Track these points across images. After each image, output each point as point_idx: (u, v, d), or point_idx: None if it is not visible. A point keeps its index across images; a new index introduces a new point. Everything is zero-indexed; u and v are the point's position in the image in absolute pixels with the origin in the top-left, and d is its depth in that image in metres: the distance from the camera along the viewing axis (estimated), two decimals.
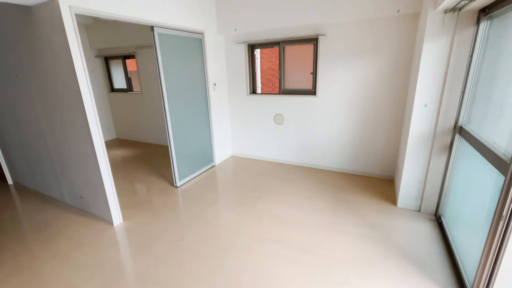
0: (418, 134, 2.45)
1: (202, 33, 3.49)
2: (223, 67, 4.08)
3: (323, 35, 3.28)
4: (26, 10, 2.27)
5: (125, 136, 5.99)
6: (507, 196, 1.27)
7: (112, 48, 5.30)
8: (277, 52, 3.78)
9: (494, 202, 1.41)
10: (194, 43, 3.42)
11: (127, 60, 5.45)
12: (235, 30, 3.66)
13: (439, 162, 2.39)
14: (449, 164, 2.31)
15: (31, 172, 3.32)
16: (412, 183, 2.61)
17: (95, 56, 5.53)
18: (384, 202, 2.86)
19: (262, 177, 3.64)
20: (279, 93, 3.91)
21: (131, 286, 1.88)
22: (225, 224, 2.57)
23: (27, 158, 3.25)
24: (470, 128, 2.02)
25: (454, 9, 1.97)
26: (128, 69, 5.55)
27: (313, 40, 3.43)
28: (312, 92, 3.65)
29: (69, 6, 2.05)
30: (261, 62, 7.63)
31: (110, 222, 2.62)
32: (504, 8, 1.60)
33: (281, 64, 3.79)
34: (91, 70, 5.40)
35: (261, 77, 7.74)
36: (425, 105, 2.35)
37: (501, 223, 1.31)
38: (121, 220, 2.67)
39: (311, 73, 3.61)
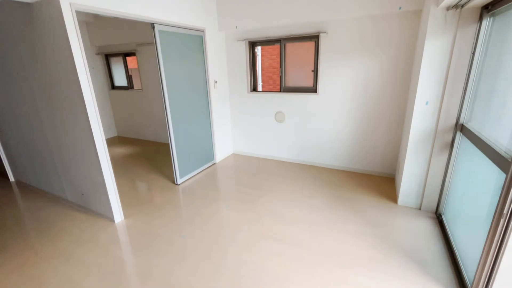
0: (419, 132, 2.44)
1: (203, 30, 3.48)
2: (223, 65, 4.07)
3: (324, 32, 3.27)
4: (26, 7, 2.27)
5: (126, 133, 6.00)
6: (508, 194, 1.27)
7: (112, 46, 5.29)
8: (278, 49, 3.76)
9: (495, 200, 1.41)
10: (195, 41, 3.41)
11: (127, 58, 5.44)
12: (236, 27, 3.65)
13: (440, 160, 2.39)
14: (450, 162, 2.31)
15: (32, 169, 3.33)
16: (413, 181, 2.61)
17: (96, 54, 5.52)
18: (384, 200, 2.86)
19: (263, 174, 3.65)
20: (280, 91, 3.90)
21: (132, 282, 1.90)
22: (226, 222, 2.58)
23: (28, 156, 3.26)
24: (472, 126, 2.01)
25: (456, 6, 1.95)
26: (129, 66, 5.54)
27: (314, 38, 3.41)
28: (313, 89, 3.64)
29: (70, 3, 2.04)
30: (262, 60, 7.61)
31: (111, 219, 2.63)
32: (507, 5, 1.59)
33: (282, 61, 3.77)
34: (91, 68, 5.39)
35: (262, 74, 7.72)
36: (427, 103, 2.34)
37: (502, 221, 1.31)
38: (122, 217, 2.69)
39: (312, 71, 3.60)
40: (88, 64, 2.24)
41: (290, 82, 3.87)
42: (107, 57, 5.61)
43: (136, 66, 5.36)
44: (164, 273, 1.96)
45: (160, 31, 2.88)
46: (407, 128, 2.65)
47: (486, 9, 1.88)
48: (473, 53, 2.03)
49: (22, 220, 2.75)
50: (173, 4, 2.97)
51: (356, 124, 3.45)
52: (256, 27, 3.58)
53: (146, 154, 4.73)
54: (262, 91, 4.15)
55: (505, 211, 1.29)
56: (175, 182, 3.43)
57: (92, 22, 5.09)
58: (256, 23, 3.50)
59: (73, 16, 2.08)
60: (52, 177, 3.09)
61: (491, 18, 1.88)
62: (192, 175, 3.65)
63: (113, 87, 5.83)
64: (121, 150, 4.99)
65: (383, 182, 3.29)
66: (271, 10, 3.35)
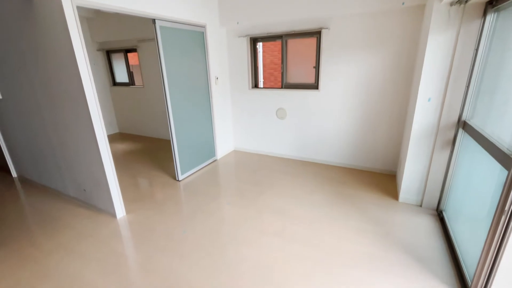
0: (421, 129, 2.43)
1: (204, 26, 3.46)
2: (225, 61, 4.05)
3: (327, 28, 3.24)
4: (27, 3, 2.26)
5: (127, 130, 6.01)
6: (510, 191, 1.27)
7: (113, 42, 5.27)
8: (280, 45, 3.74)
9: (496, 197, 1.40)
10: (196, 37, 3.40)
11: (128, 54, 5.43)
12: (237, 23, 3.63)
13: (441, 157, 2.38)
14: (452, 159, 2.30)
15: (35, 165, 3.35)
16: (414, 178, 2.60)
17: (97, 50, 5.51)
18: (385, 196, 2.86)
19: (264, 171, 3.65)
20: (281, 87, 3.88)
21: (133, 277, 1.91)
22: (227, 218, 2.59)
23: (31, 152, 3.28)
24: (474, 122, 2.00)
25: (460, 1, 1.93)
26: (130, 62, 5.54)
27: (316, 34, 3.39)
28: (315, 86, 3.62)
29: None
30: (263, 56, 7.58)
31: (113, 214, 2.65)
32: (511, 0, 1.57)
33: (284, 58, 3.75)
34: (93, 64, 5.39)
35: (263, 71, 7.70)
36: (429, 99, 2.33)
37: (503, 217, 1.31)
38: (124, 213, 2.70)
39: (314, 67, 3.58)
40: (89, 60, 2.24)
41: (292, 78, 3.85)
42: (108, 53, 5.60)
43: (137, 63, 5.35)
44: (165, 268, 1.97)
45: (161, 27, 2.87)
46: (409, 124, 2.64)
47: (490, 4, 1.85)
48: (477, 49, 2.01)
49: (24, 215, 2.78)
50: (174, 0, 2.95)
51: (358, 120, 3.43)
52: (258, 23, 3.55)
53: (148, 150, 4.75)
54: (263, 87, 4.14)
55: (506, 208, 1.29)
56: (177, 179, 3.44)
57: (93, 18, 5.08)
58: (258, 18, 3.48)
59: (74, 11, 2.07)
60: (54, 173, 3.11)
61: (495, 14, 1.86)
62: (193, 172, 3.66)
63: (115, 83, 5.83)
64: (123, 147, 5.00)
65: (384, 179, 3.28)
66: (273, 6, 3.32)
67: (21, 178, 3.69)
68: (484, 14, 1.93)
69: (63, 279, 1.91)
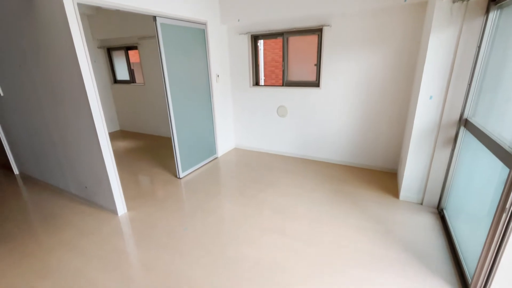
0: (422, 127, 2.43)
1: (205, 24, 3.45)
2: (226, 59, 4.04)
3: (328, 25, 3.23)
4: (28, 0, 2.26)
5: (129, 127, 6.01)
6: (511, 188, 1.26)
7: (114, 39, 5.27)
8: (281, 43, 3.73)
9: (498, 195, 1.40)
10: (197, 34, 3.39)
11: (129, 51, 5.43)
12: (238, 20, 3.61)
13: (443, 154, 2.38)
14: (453, 157, 2.30)
15: (36, 162, 3.36)
16: (415, 176, 2.60)
17: (98, 47, 5.51)
18: (386, 194, 2.86)
19: (265, 169, 3.65)
20: (283, 85, 3.88)
21: (134, 273, 1.92)
22: (227, 215, 2.60)
23: (32, 149, 3.29)
24: (476, 120, 1.99)
25: None
26: (131, 60, 5.53)
27: (318, 31, 3.38)
28: (316, 84, 3.61)
29: None
30: (264, 54, 7.55)
31: (114, 212, 2.66)
32: None
33: (285, 55, 3.74)
34: (93, 61, 5.38)
35: (264, 68, 7.68)
36: (431, 97, 2.32)
37: (504, 215, 1.31)
38: (125, 210, 2.71)
39: (315, 65, 3.57)
40: (90, 58, 2.24)
41: (293, 76, 3.84)
42: (109, 51, 5.60)
43: (138, 60, 5.35)
44: (166, 265, 1.98)
45: (162, 24, 2.86)
46: (410, 122, 2.63)
47: (493, 1, 1.84)
48: (479, 47, 2.00)
49: (26, 212, 2.79)
50: None
51: (359, 118, 3.43)
52: (259, 20, 3.54)
53: (149, 148, 4.75)
54: (264, 85, 4.13)
55: (507, 206, 1.29)
56: (177, 176, 3.45)
57: (93, 15, 5.07)
58: (259, 16, 3.46)
59: (74, 8, 2.07)
60: (55, 170, 3.12)
61: (498, 11, 1.84)
62: (194, 169, 3.67)
63: (115, 81, 5.83)
64: (124, 144, 5.01)
65: (385, 177, 3.28)
66: (274, 3, 3.30)
67: (23, 175, 3.70)
68: (487, 11, 1.91)
69: (64, 276, 1.92)
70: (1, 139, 3.60)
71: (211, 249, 2.14)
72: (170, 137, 3.48)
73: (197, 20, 3.31)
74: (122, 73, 5.72)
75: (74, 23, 2.09)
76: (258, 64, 4.10)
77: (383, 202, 2.72)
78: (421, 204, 2.64)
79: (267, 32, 3.69)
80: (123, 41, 5.19)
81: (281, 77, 3.89)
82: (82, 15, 4.96)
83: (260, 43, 4.13)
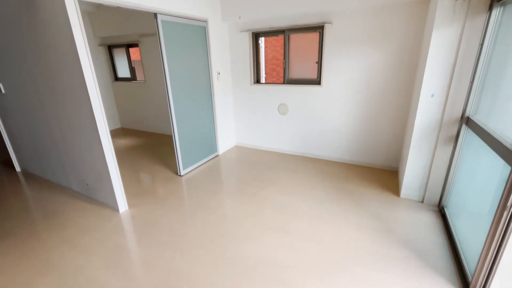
0: (424, 125, 2.42)
1: (205, 21, 3.44)
2: (227, 56, 4.03)
3: (329, 22, 3.21)
4: None
5: (130, 125, 6.02)
6: None
7: (115, 37, 5.26)
8: (282, 41, 3.72)
9: (499, 193, 1.40)
10: (198, 31, 3.38)
11: (130, 49, 5.42)
12: (239, 17, 3.60)
13: (444, 153, 2.37)
14: (455, 154, 2.29)
15: (38, 159, 3.37)
16: (416, 174, 2.60)
17: (99, 45, 5.50)
18: (387, 192, 2.86)
19: (266, 167, 3.66)
20: (284, 83, 3.87)
21: (135, 270, 1.94)
22: (228, 213, 2.60)
23: (34, 146, 3.30)
24: (478, 118, 1.99)
25: None
26: (132, 58, 5.52)
27: (319, 28, 3.36)
28: (317, 81, 3.60)
29: None
30: (265, 51, 7.53)
31: (116, 209, 2.67)
32: None
33: (286, 53, 3.73)
34: (94, 59, 5.38)
35: (266, 66, 7.66)
36: (432, 95, 2.31)
37: (505, 213, 1.31)
38: (127, 207, 2.72)
39: (316, 62, 3.56)
40: (91, 55, 2.24)
41: (294, 74, 3.83)
42: (110, 48, 5.59)
43: (139, 58, 5.34)
44: (166, 263, 1.99)
45: (163, 21, 2.86)
46: (412, 120, 2.63)
47: None
48: (482, 44, 1.98)
49: (28, 209, 2.80)
50: None
51: (360, 116, 3.42)
52: (260, 17, 3.52)
53: (150, 145, 4.76)
54: (265, 83, 4.12)
55: (509, 204, 1.28)
56: (178, 174, 3.45)
57: (94, 12, 5.06)
58: (260, 13, 3.44)
59: (75, 5, 2.06)
60: (57, 167, 3.13)
61: (502, 8, 1.83)
62: (195, 167, 3.67)
63: (116, 78, 5.83)
64: (125, 142, 5.02)
65: (386, 175, 3.28)
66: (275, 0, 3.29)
67: (25, 172, 3.72)
68: (490, 8, 1.90)
69: (66, 272, 1.93)
70: (3, 136, 3.61)
71: (211, 247, 2.15)
72: (171, 135, 3.48)
73: (198, 18, 3.30)
74: (123, 71, 5.71)
75: (75, 20, 2.08)
76: (259, 61, 4.09)
77: (384, 200, 2.72)
78: (422, 202, 2.64)
79: (268, 30, 3.67)
80: (124, 38, 5.19)
81: (282, 75, 3.88)
82: (83, 12, 4.95)
83: (261, 40, 4.12)
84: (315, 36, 3.47)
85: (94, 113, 2.31)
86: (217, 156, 4.10)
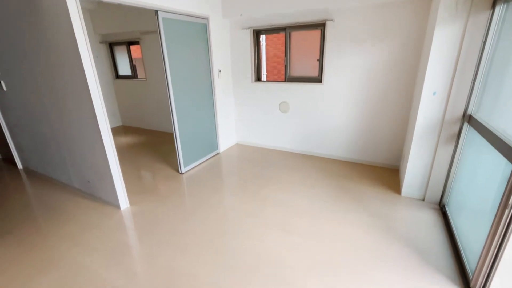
0: (425, 123, 2.41)
1: (207, 18, 3.43)
2: (228, 54, 4.02)
3: (331, 20, 3.19)
4: None
5: (131, 123, 6.03)
6: None
7: (116, 34, 5.25)
8: (283, 38, 3.70)
9: (501, 191, 1.39)
10: (199, 29, 3.37)
11: (131, 47, 5.41)
12: (240, 15, 3.58)
13: (446, 151, 2.36)
14: (456, 153, 2.28)
15: (40, 157, 3.38)
16: (417, 172, 2.59)
17: (100, 42, 5.50)
18: (388, 191, 2.86)
19: (267, 165, 3.66)
20: (285, 81, 3.86)
21: (137, 267, 1.95)
22: (229, 211, 2.61)
23: (36, 144, 3.31)
24: (480, 117, 1.98)
25: None
26: (133, 55, 5.52)
27: (320, 26, 3.34)
28: (318, 79, 3.59)
29: None
30: (266, 49, 7.51)
31: (117, 206, 2.68)
32: None
33: (287, 50, 3.72)
34: (96, 56, 5.38)
35: (267, 64, 7.63)
36: (434, 93, 2.30)
37: (507, 211, 1.30)
38: (128, 205, 2.73)
39: (318, 60, 3.55)
40: (92, 53, 2.23)
41: (295, 71, 3.82)
42: (111, 46, 5.58)
43: (140, 56, 5.33)
44: (167, 260, 2.00)
45: (164, 19, 2.85)
46: (413, 118, 2.62)
47: None
48: (484, 42, 1.97)
49: (30, 206, 2.82)
50: None
51: (361, 114, 3.41)
52: (261, 14, 3.50)
53: (151, 143, 4.77)
54: (266, 81, 4.11)
55: (510, 202, 1.28)
56: (179, 171, 3.46)
57: (95, 10, 5.04)
58: (261, 10, 3.43)
59: (76, 3, 2.06)
60: (59, 165, 3.14)
61: (505, 5, 1.81)
62: (196, 165, 3.68)
63: (117, 76, 5.83)
64: (126, 139, 5.02)
65: (387, 173, 3.28)
66: None
67: (26, 169, 3.73)
68: (493, 5, 1.88)
69: (67, 269, 1.94)
70: (5, 133, 3.62)
71: (212, 246, 2.15)
72: (172, 133, 3.48)
73: (199, 15, 3.29)
74: (124, 69, 5.71)
75: (76, 17, 2.08)
76: (260, 59, 4.07)
77: (385, 198, 2.72)
78: (423, 200, 2.63)
79: (270, 27, 3.66)
80: (125, 36, 5.18)
81: (283, 72, 3.87)
82: (84, 9, 4.93)
83: (262, 38, 4.10)
84: (316, 33, 3.45)
85: (95, 111, 2.31)
86: (218, 154, 4.11)
